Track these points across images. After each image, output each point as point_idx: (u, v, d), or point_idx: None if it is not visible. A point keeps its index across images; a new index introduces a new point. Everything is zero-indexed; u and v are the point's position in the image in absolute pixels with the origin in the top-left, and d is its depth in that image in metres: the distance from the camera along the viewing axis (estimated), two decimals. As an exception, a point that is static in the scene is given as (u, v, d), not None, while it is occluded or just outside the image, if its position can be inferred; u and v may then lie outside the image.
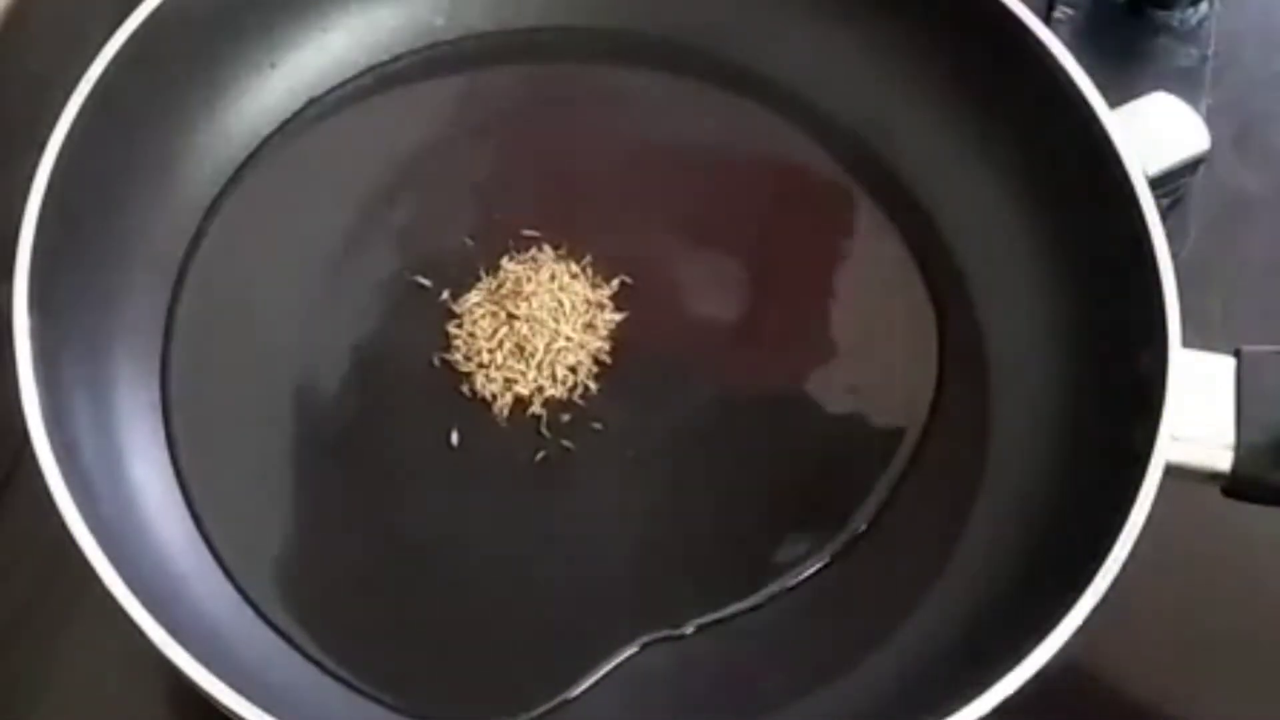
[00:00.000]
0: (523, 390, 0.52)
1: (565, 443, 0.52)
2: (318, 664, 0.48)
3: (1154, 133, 0.51)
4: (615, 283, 0.54)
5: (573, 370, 0.52)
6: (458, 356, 0.53)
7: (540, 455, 0.51)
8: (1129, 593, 0.44)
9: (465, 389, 0.52)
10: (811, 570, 0.50)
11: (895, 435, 0.53)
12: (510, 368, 0.52)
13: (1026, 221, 0.54)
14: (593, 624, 0.49)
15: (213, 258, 0.54)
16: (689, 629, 0.49)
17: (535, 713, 0.48)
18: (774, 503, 0.52)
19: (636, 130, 0.58)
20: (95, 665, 0.50)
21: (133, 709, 0.50)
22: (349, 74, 0.58)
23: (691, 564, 0.51)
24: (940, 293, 0.55)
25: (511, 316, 0.53)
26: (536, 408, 0.52)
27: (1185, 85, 0.59)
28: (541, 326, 0.53)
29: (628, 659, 0.49)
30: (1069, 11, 0.63)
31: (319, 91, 0.58)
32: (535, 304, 0.53)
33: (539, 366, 0.52)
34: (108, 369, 0.51)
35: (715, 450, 0.52)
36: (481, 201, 0.56)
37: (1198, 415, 0.46)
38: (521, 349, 0.52)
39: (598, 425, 0.52)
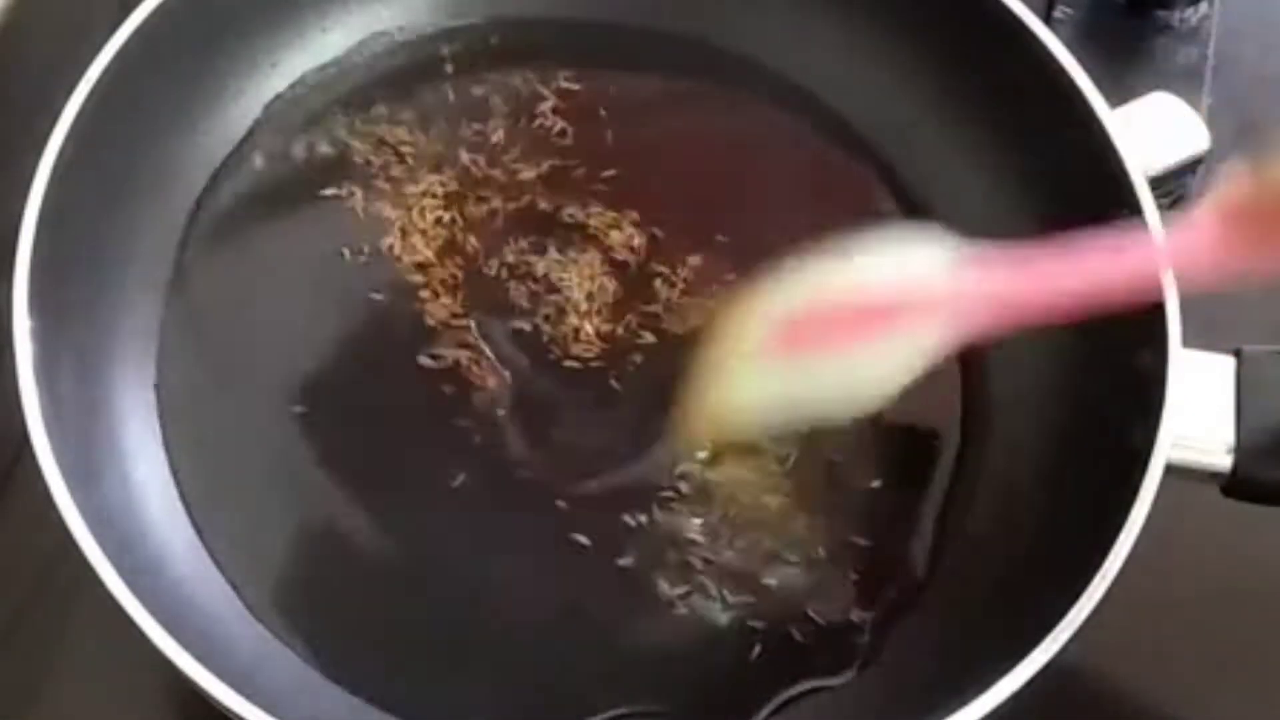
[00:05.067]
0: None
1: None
2: (315, 665, 0.48)
3: (1154, 133, 0.51)
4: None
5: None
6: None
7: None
8: (1129, 593, 0.44)
9: (467, 389, 0.52)
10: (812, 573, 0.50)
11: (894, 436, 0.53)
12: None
13: (1026, 222, 0.54)
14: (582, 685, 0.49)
15: (212, 258, 0.54)
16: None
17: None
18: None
19: (638, 126, 0.58)
20: (95, 665, 0.50)
21: (133, 709, 0.50)
22: (349, 74, 0.58)
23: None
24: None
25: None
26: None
27: (1185, 85, 0.59)
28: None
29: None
30: (1069, 11, 0.63)
31: (319, 91, 0.58)
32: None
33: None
34: (107, 369, 0.51)
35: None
36: (481, 201, 0.56)
37: (1198, 415, 0.46)
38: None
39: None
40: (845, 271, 0.42)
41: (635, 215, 0.56)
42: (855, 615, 0.50)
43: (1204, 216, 0.38)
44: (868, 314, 0.41)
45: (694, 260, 0.55)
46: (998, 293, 0.40)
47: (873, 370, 0.42)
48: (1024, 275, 0.40)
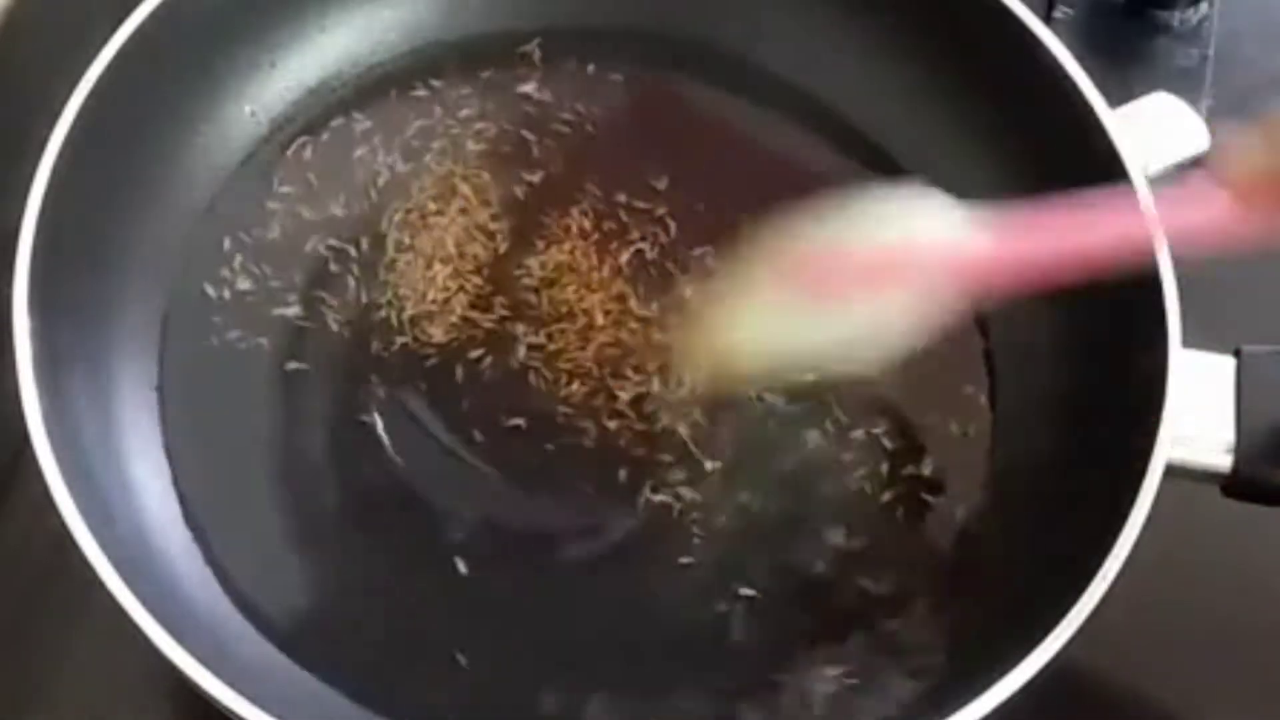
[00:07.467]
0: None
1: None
2: (314, 666, 0.48)
3: (1154, 133, 0.51)
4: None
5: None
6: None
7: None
8: (1129, 593, 0.44)
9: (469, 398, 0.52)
10: (814, 571, 0.50)
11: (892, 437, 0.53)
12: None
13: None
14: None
15: (212, 258, 0.54)
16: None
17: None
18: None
19: (638, 128, 0.58)
20: (95, 665, 0.50)
21: (133, 709, 0.50)
22: (349, 74, 0.58)
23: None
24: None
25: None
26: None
27: (1185, 85, 0.59)
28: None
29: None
30: (1069, 11, 0.63)
31: (319, 91, 0.58)
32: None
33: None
34: (108, 369, 0.51)
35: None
36: (481, 201, 0.56)
37: (1198, 415, 0.46)
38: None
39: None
40: (856, 225, 0.42)
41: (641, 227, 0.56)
42: (853, 620, 0.50)
43: (1207, 183, 0.38)
44: (875, 267, 0.41)
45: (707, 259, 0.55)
46: (1001, 253, 0.40)
47: (877, 324, 0.41)
48: (1029, 237, 0.40)
